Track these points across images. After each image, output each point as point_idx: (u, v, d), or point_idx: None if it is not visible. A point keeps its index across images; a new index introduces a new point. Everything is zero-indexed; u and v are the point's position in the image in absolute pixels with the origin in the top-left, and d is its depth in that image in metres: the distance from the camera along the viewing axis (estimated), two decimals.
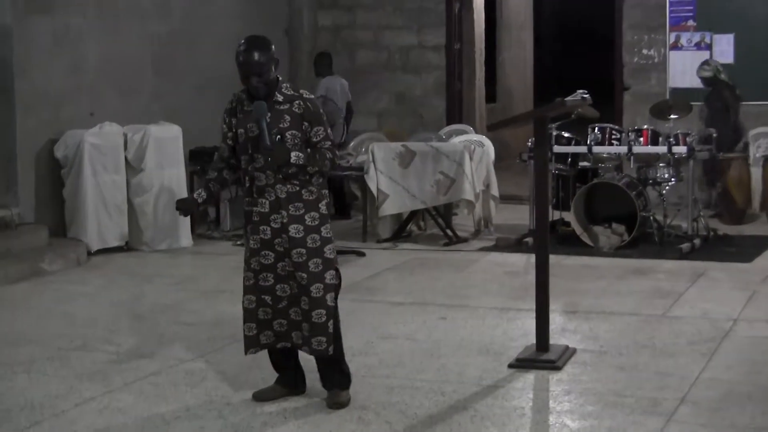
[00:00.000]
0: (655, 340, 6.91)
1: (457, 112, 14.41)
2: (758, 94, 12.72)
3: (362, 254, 10.20)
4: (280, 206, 5.45)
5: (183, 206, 5.67)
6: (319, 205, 5.52)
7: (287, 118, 5.45)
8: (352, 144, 12.78)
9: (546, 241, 6.53)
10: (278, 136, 5.41)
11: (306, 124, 5.47)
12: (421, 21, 14.28)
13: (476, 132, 13.33)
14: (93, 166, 10.30)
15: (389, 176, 10.73)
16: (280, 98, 5.46)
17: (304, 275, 5.43)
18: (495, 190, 11.24)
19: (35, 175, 10.42)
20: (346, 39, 14.60)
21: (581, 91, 6.66)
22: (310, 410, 5.56)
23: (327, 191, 5.63)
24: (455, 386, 5.95)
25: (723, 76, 12.09)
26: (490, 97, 17.51)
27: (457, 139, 11.95)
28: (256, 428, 5.32)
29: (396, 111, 14.49)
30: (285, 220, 5.44)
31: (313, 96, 5.61)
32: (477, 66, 15.71)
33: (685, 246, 9.96)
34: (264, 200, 5.48)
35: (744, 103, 12.38)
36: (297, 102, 5.47)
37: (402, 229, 11.16)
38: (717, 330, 7.11)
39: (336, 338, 5.54)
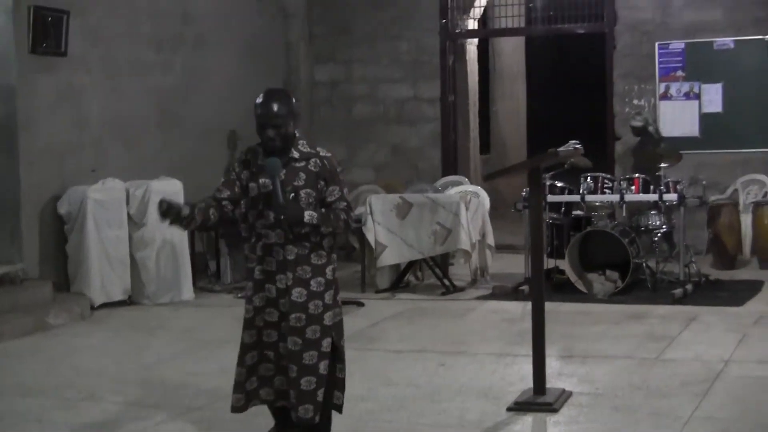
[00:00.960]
0: (649, 382, 7.09)
1: (452, 163, 14.62)
2: (746, 141, 12.98)
3: (362, 304, 10.38)
4: (286, 267, 5.28)
5: (168, 205, 5.25)
6: (326, 270, 5.35)
7: (302, 176, 5.27)
8: (350, 197, 12.97)
9: (542, 287, 6.73)
10: (292, 194, 5.25)
11: (322, 182, 5.29)
12: (416, 74, 14.54)
13: (471, 182, 13.55)
14: (96, 222, 10.48)
15: (387, 227, 10.93)
16: (296, 155, 5.31)
17: (299, 341, 5.27)
18: (491, 240, 11.44)
19: (39, 231, 10.59)
20: (342, 92, 14.86)
21: (573, 141, 6.89)
22: None
23: (335, 256, 5.44)
24: (456, 430, 6.14)
25: (651, 129, 12.35)
26: (484, 147, 17.78)
27: (452, 190, 12.17)
28: None
29: (392, 163, 14.70)
30: (290, 283, 5.28)
31: (330, 154, 5.42)
32: (471, 117, 15.96)
33: (678, 291, 10.14)
34: (271, 259, 5.31)
35: (733, 150, 12.74)
36: (313, 160, 5.31)
37: (400, 280, 11.34)
38: (709, 371, 7.29)
39: (324, 408, 5.39)
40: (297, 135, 5.37)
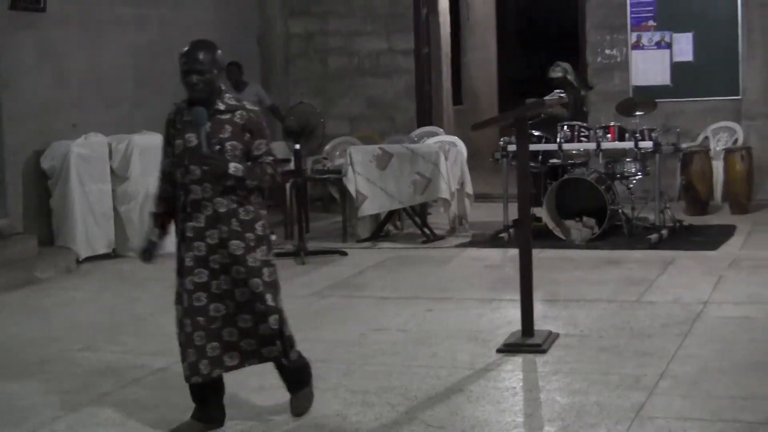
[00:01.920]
0: (631, 323, 7.32)
1: (427, 114, 14.78)
2: (716, 90, 13.23)
3: (345, 253, 10.56)
4: (218, 220, 5.22)
5: (147, 255, 5.60)
6: (256, 226, 5.30)
7: (228, 128, 5.24)
8: (326, 148, 13.13)
9: (529, 233, 6.94)
10: (217, 146, 5.20)
11: (248, 135, 5.28)
12: (390, 26, 14.66)
13: (446, 133, 13.72)
14: (80, 176, 10.59)
15: (367, 178, 11.08)
16: (221, 107, 5.28)
17: (246, 291, 5.27)
18: (469, 189, 11.63)
19: (23, 186, 10.70)
20: (317, 45, 14.96)
21: (558, 90, 7.07)
22: (315, 392, 5.92)
23: (266, 211, 5.42)
24: (449, 371, 6.34)
25: (570, 77, 12.52)
26: (456, 98, 17.93)
27: (430, 141, 12.33)
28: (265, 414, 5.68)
29: (368, 115, 14.83)
30: (225, 236, 5.23)
31: (257, 108, 5.43)
32: (444, 68, 16.13)
33: (654, 236, 10.38)
34: (199, 215, 5.22)
35: (704, 99, 12.99)
36: (239, 112, 5.29)
37: (380, 229, 11.52)
38: (689, 312, 7.54)
39: (291, 344, 5.44)
40: (223, 89, 5.35)
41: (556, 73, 12.54)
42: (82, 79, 11.46)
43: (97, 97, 11.64)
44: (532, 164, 10.94)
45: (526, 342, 6.76)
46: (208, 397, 5.48)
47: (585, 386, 5.91)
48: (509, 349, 6.72)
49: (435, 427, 5.36)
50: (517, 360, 6.55)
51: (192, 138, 5.23)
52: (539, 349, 6.65)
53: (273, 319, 5.31)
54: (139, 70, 12.28)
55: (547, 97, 6.86)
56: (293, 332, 5.48)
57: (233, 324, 5.32)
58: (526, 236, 6.89)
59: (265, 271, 5.29)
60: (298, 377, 5.61)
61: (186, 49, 5.32)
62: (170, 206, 5.41)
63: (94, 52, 11.64)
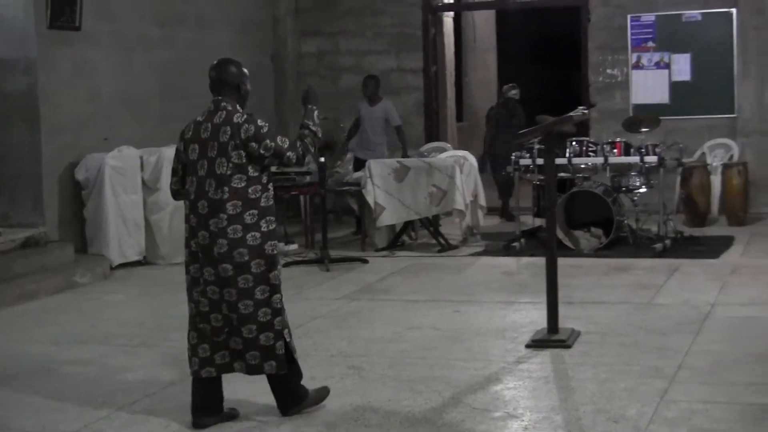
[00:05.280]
0: (646, 323, 7.91)
1: (434, 131, 15.39)
2: (713, 108, 13.85)
3: (366, 261, 11.13)
4: None
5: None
6: None
7: None
8: (340, 162, 13.68)
9: (554, 240, 7.56)
10: None
11: None
12: (399, 46, 15.25)
13: (453, 148, 14.30)
14: (113, 187, 11.14)
15: (385, 190, 11.64)
16: None
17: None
18: (482, 200, 12.22)
19: (58, 197, 11.24)
20: (329, 64, 15.54)
21: (581, 107, 7.63)
22: (364, 382, 6.48)
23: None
24: (484, 363, 6.91)
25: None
26: (458, 116, 18.54)
27: (443, 155, 12.90)
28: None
29: None
30: None
31: None
32: (448, 87, 16.74)
33: (658, 246, 10.97)
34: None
35: (701, 116, 13.69)
36: None
37: (396, 239, 12.09)
38: (699, 313, 8.13)
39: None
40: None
41: (516, 93, 13.64)
42: (113, 96, 12.03)
43: (127, 113, 12.21)
44: (540, 177, 11.58)
45: (552, 338, 7.34)
46: None
47: (611, 375, 6.49)
48: (537, 344, 7.30)
49: (480, 410, 5.94)
50: (545, 354, 7.12)
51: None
52: (565, 344, 7.23)
53: None
54: (165, 87, 12.85)
55: (572, 113, 7.44)
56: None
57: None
58: (552, 240, 7.48)
59: None
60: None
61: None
62: None
63: (124, 70, 12.21)
